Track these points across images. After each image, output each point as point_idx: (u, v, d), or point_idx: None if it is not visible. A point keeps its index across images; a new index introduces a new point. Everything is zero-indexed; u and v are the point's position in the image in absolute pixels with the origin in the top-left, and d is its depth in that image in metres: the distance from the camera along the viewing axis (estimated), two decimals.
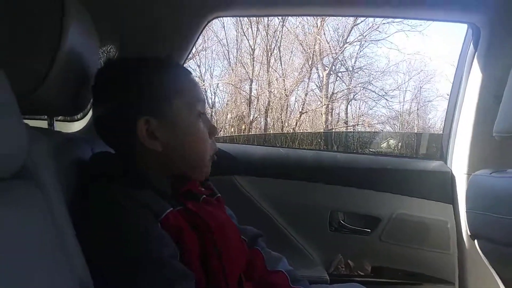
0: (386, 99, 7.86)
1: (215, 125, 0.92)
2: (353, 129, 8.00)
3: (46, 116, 0.98)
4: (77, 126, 1.41)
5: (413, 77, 7.86)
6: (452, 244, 1.56)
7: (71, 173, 0.80)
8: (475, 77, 1.54)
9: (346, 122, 8.12)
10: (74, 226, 0.70)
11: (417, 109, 8.18)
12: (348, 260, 1.55)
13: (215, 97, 8.00)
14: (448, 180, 1.60)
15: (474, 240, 1.39)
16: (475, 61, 1.52)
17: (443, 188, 1.60)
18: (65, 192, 0.72)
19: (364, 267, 1.54)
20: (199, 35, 1.30)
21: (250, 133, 7.20)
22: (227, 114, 7.64)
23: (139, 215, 0.75)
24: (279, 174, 1.57)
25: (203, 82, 7.82)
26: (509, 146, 1.46)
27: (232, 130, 7.35)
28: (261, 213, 1.53)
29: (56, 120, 1.02)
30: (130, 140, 0.84)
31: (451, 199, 1.58)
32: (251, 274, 0.97)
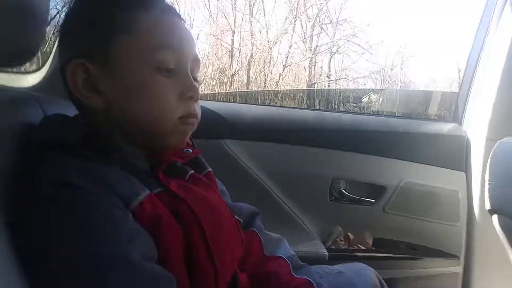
0: (370, 52, 7.66)
1: (194, 86, 0.66)
2: (336, 84, 7.82)
3: None
4: (32, 79, 1.14)
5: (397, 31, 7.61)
6: (461, 217, 1.42)
7: (11, 144, 0.59)
8: (505, 26, 1.33)
9: (328, 76, 7.93)
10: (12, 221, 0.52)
11: (401, 64, 8.02)
12: (348, 232, 1.41)
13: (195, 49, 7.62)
14: (463, 145, 1.44)
15: (492, 215, 1.25)
16: (507, 7, 1.31)
17: (456, 154, 1.44)
18: (5, 172, 0.54)
19: (364, 240, 1.40)
20: None
21: (231, 90, 6.94)
22: (208, 66, 7.32)
23: (102, 200, 0.54)
24: (275, 137, 1.38)
25: None
26: None
27: (214, 83, 7.07)
28: (254, 182, 1.35)
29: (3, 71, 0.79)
30: (72, 94, 0.64)
31: (465, 167, 1.43)
32: (246, 262, 0.79)
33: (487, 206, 1.25)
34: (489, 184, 1.21)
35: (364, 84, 7.94)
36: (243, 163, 1.34)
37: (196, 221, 0.63)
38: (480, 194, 1.35)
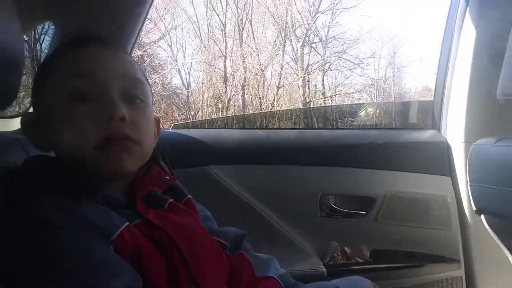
0: (361, 67, 7.77)
1: (114, 106, 0.64)
2: (331, 100, 7.90)
3: None
4: (16, 123, 1.19)
5: (386, 43, 7.72)
6: (453, 220, 1.44)
7: None
8: (467, 35, 1.39)
9: (323, 93, 8.00)
10: None
11: (393, 75, 8.10)
12: (344, 247, 1.41)
13: (189, 77, 7.74)
14: (444, 150, 1.47)
15: (480, 216, 1.27)
16: (467, 16, 1.37)
17: (438, 159, 1.47)
18: None
19: (362, 253, 1.41)
20: (151, 4, 1.09)
21: (228, 115, 6.99)
22: (204, 93, 7.41)
23: (80, 235, 0.57)
24: (259, 159, 1.40)
25: (176, 62, 7.53)
26: None
27: (210, 110, 7.14)
28: (244, 205, 1.36)
29: None
30: None
31: (449, 171, 1.46)
32: (237, 285, 0.81)
33: (474, 207, 1.28)
34: (470, 185, 1.24)
35: (359, 99, 8.04)
36: (231, 187, 1.35)
37: (175, 247, 0.65)
38: (467, 197, 1.37)
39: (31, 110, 0.74)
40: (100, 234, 0.59)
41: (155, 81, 6.81)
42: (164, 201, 0.75)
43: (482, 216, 1.25)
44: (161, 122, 0.83)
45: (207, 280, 0.68)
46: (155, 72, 7.11)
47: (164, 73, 7.38)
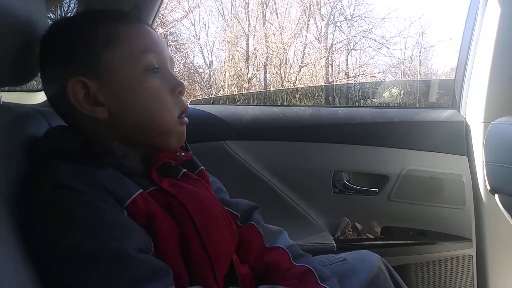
0: (387, 47, 7.60)
1: (182, 82, 0.74)
2: (355, 80, 7.78)
3: None
4: (40, 97, 1.23)
5: (414, 22, 7.50)
6: (468, 199, 1.44)
7: (19, 155, 0.67)
8: (491, 13, 1.36)
9: (347, 74, 7.88)
10: (20, 220, 0.59)
11: (419, 55, 7.90)
12: (356, 223, 1.44)
13: (212, 55, 7.75)
14: (462, 130, 1.46)
15: (494, 195, 1.26)
16: None
17: (456, 139, 1.46)
18: (12, 180, 0.61)
19: (373, 229, 1.43)
20: None
21: (249, 91, 6.98)
22: (225, 72, 7.41)
23: (96, 200, 0.61)
24: (274, 135, 1.43)
25: (199, 40, 7.55)
26: None
27: (232, 88, 7.15)
28: (257, 180, 1.40)
29: (17, 91, 0.87)
30: (70, 109, 0.70)
31: (466, 151, 1.45)
32: (246, 254, 0.85)
33: (488, 186, 1.28)
34: (486, 165, 1.23)
35: (383, 79, 7.90)
36: (246, 162, 1.39)
37: (187, 214, 0.69)
38: (483, 176, 1.36)
39: None
40: (115, 200, 0.63)
41: (177, 60, 6.85)
42: (178, 171, 0.78)
43: (496, 196, 1.24)
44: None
45: (216, 247, 0.71)
46: (178, 51, 7.14)
47: (187, 52, 7.41)
